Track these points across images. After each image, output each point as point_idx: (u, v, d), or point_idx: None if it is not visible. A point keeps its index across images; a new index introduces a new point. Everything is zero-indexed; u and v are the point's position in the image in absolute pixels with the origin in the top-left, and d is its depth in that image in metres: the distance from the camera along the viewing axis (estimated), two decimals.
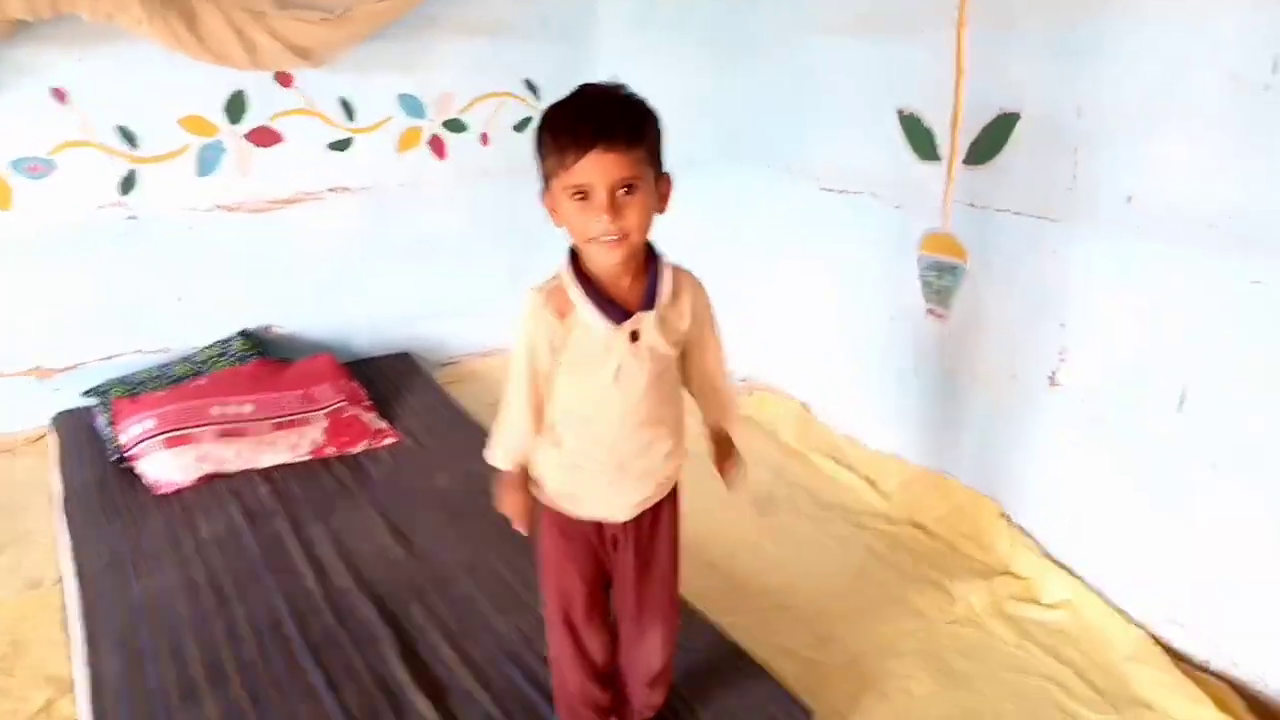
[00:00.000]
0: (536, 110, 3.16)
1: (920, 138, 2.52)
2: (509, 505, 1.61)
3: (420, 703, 1.89)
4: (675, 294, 1.48)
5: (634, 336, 1.45)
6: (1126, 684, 2.04)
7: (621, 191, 1.33)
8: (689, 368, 1.59)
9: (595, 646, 1.66)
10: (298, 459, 2.89)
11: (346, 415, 3.04)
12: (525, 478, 1.60)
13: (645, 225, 1.39)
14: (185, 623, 2.16)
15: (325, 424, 2.99)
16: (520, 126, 3.70)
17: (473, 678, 1.96)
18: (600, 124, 1.32)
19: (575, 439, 1.52)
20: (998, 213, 2.35)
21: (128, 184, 3.12)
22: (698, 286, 1.54)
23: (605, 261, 1.39)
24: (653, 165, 1.38)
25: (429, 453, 2.96)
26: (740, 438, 1.72)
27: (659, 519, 1.61)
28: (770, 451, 3.10)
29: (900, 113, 2.57)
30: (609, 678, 1.73)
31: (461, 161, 3.63)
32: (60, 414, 3.18)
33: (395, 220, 3.58)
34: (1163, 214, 1.97)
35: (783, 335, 3.24)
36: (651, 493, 1.57)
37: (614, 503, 1.56)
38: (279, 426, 2.95)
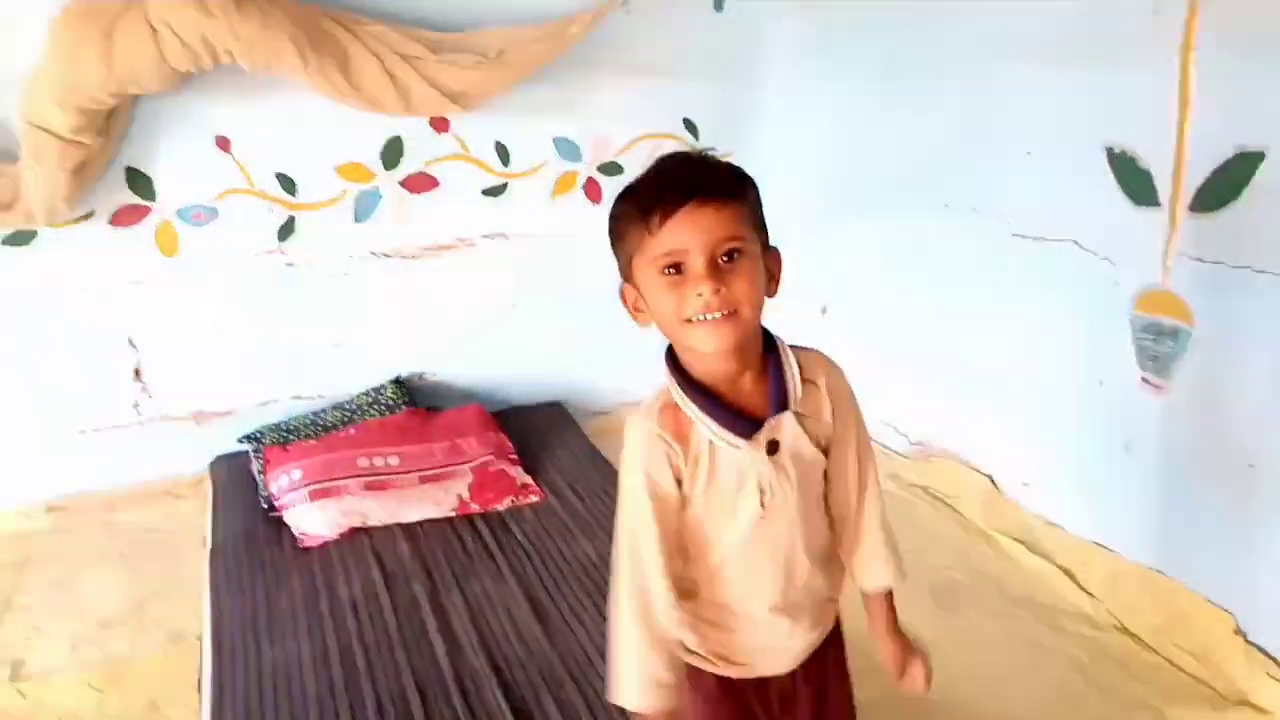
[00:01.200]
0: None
1: (1135, 179, 2.19)
2: None
3: None
4: (806, 381, 1.20)
5: (772, 448, 1.18)
6: None
7: (723, 258, 1.08)
8: (824, 480, 1.27)
9: None
10: (441, 515, 2.80)
11: (493, 470, 2.93)
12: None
13: (757, 301, 1.11)
14: (311, 697, 2.08)
15: (471, 479, 2.89)
16: None
17: None
18: (693, 178, 1.09)
19: (720, 588, 1.24)
20: (1233, 269, 2.00)
21: (286, 231, 3.14)
22: (829, 366, 1.24)
23: (711, 347, 1.11)
24: (757, 232, 1.13)
25: (574, 514, 2.81)
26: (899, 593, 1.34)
27: (826, 659, 1.33)
28: (951, 531, 2.78)
29: (1110, 150, 2.24)
30: None
31: None
32: (218, 459, 3.21)
33: (549, 266, 3.47)
34: None
35: (966, 397, 2.90)
36: (819, 632, 1.30)
37: (779, 654, 1.28)
38: (424, 480, 2.88)
